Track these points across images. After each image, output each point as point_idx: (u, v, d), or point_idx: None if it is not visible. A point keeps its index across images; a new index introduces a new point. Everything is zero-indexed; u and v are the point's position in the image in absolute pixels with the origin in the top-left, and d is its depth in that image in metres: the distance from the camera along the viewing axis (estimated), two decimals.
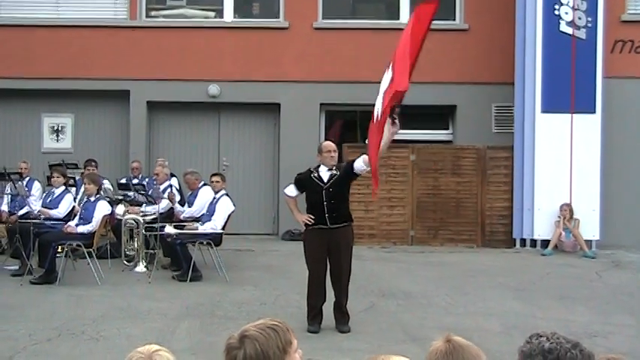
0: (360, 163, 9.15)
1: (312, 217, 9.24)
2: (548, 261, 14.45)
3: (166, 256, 13.09)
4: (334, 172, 9.33)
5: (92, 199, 12.25)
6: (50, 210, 12.78)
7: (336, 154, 9.51)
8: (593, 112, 15.54)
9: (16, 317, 9.63)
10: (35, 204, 13.30)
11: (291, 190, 9.60)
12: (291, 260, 13.39)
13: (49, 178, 13.72)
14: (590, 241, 15.39)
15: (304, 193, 9.52)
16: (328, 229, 9.19)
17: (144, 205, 13.82)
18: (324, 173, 9.33)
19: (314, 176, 9.36)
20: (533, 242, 15.76)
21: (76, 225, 11.98)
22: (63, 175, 13.27)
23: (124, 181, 15.00)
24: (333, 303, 9.37)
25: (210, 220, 12.41)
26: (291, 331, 3.13)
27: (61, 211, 12.82)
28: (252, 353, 2.99)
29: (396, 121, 8.15)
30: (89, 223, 11.95)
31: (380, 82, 8.31)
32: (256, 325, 3.10)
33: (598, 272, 13.25)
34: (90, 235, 11.92)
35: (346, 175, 9.32)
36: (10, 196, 13.43)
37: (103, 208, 12.16)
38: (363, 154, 9.28)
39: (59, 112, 17.47)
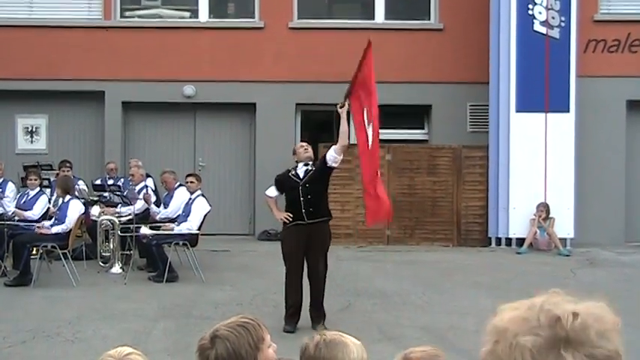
0: (332, 154, 9.36)
1: (290, 215, 9.32)
2: (523, 259, 14.54)
3: (142, 257, 13.06)
4: (310, 167, 9.48)
5: (65, 199, 12.20)
6: (25, 212, 12.71)
7: (310, 147, 9.78)
8: (567, 111, 15.65)
9: None
10: (9, 205, 13.21)
11: (272, 191, 9.81)
12: (268, 260, 13.38)
13: (23, 179, 13.63)
14: (565, 239, 15.49)
15: (284, 193, 9.67)
16: (306, 224, 9.26)
17: (119, 206, 13.78)
18: (301, 170, 9.50)
19: (291, 174, 9.54)
20: (509, 241, 15.84)
21: (51, 225, 11.92)
22: (38, 177, 13.21)
23: (99, 182, 14.94)
24: (310, 302, 9.40)
25: (186, 220, 12.39)
26: (263, 327, 3.13)
27: (35, 212, 12.74)
28: (224, 353, 3.00)
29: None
30: (63, 223, 11.90)
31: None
32: (227, 324, 3.11)
33: (573, 270, 13.36)
34: (65, 236, 11.87)
35: (321, 170, 9.45)
36: None
37: (76, 208, 12.10)
38: (333, 145, 9.57)
39: (33, 113, 17.34)
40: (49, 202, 13.29)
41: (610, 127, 16.51)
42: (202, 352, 3.04)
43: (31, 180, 13.06)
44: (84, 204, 14.07)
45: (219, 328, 3.08)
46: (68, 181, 12.87)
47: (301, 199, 9.29)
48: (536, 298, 1.67)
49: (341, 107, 9.49)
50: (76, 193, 14.09)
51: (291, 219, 9.33)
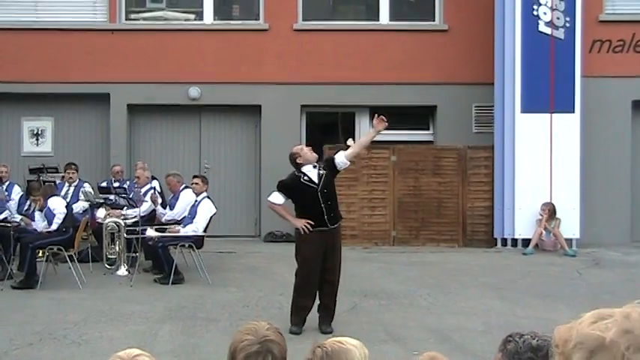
0: (343, 159, 9.33)
1: (311, 222, 9.15)
2: (529, 260, 14.51)
3: (148, 259, 13.06)
4: (321, 170, 9.31)
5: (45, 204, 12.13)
6: (32, 222, 12.61)
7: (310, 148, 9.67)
8: (573, 111, 15.63)
9: None
10: (15, 209, 13.19)
11: (278, 198, 9.40)
12: (274, 262, 13.39)
13: (29, 182, 13.59)
14: (571, 239, 15.46)
15: (296, 199, 9.44)
16: (328, 230, 9.18)
17: (125, 208, 13.79)
18: (313, 174, 9.28)
19: (304, 180, 9.25)
20: (514, 241, 15.81)
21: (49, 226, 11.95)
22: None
23: (104, 184, 14.96)
24: (322, 304, 9.32)
25: (191, 222, 12.39)
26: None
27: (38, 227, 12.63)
28: (279, 356, 3.02)
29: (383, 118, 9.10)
30: (54, 216, 11.89)
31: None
32: (268, 328, 3.11)
33: (579, 270, 13.33)
34: (68, 233, 11.86)
35: (331, 173, 9.37)
36: None
37: (57, 201, 12.07)
38: (340, 149, 9.56)
39: (39, 116, 17.36)
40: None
41: (615, 128, 16.49)
42: (256, 356, 3.00)
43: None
44: (90, 206, 14.12)
45: (267, 333, 3.06)
46: (47, 189, 12.67)
47: (322, 205, 9.12)
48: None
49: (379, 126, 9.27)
50: (81, 195, 14.13)
51: (312, 226, 9.13)
